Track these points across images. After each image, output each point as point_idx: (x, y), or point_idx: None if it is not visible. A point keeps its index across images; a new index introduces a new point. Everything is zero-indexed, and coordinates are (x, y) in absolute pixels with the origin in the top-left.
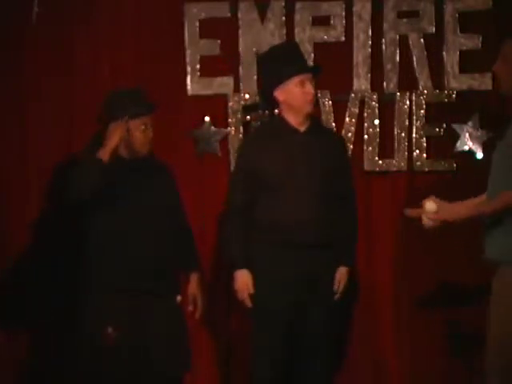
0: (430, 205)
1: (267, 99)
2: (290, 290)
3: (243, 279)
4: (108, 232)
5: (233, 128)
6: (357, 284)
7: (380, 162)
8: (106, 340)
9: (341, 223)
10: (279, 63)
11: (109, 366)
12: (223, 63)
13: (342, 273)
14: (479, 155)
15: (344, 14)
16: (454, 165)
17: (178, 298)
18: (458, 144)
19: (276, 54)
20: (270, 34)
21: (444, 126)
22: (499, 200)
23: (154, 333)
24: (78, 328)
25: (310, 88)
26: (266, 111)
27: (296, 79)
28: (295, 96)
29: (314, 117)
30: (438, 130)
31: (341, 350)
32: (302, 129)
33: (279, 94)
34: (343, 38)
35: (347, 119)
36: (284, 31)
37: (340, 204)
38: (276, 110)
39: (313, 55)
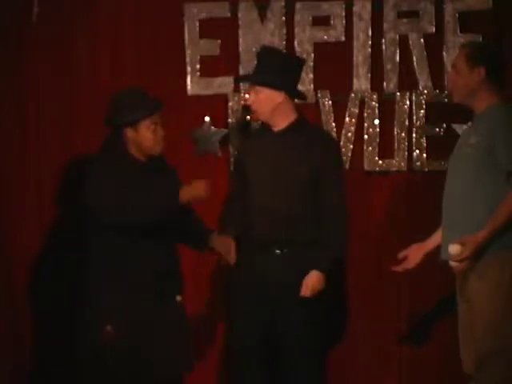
0: (454, 248)
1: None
2: (265, 290)
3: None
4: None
5: (233, 128)
6: (354, 284)
7: (380, 162)
8: (105, 338)
9: (320, 225)
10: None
11: (109, 365)
12: (223, 63)
13: (310, 276)
14: None
15: (344, 14)
16: None
17: (178, 297)
18: None
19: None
20: (269, 34)
21: (444, 125)
22: (502, 211)
23: (156, 332)
24: (77, 327)
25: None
26: None
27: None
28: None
29: (301, 117)
30: (437, 129)
31: (338, 351)
32: (276, 129)
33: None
34: (343, 38)
35: (347, 119)
36: (284, 31)
37: (322, 203)
38: (248, 117)
39: (313, 55)
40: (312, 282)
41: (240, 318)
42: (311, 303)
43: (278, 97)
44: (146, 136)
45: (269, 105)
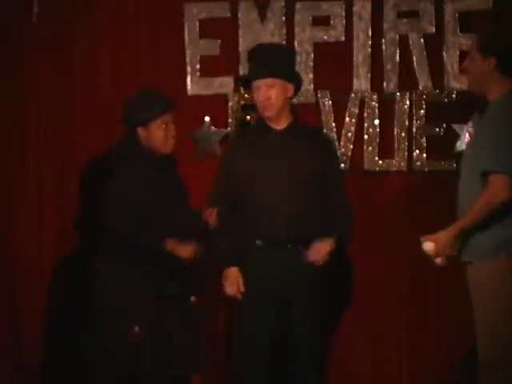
0: (427, 245)
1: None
2: (271, 290)
3: (232, 276)
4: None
5: (233, 128)
6: (355, 284)
7: (380, 162)
8: (133, 339)
9: (328, 221)
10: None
11: (121, 366)
12: (223, 63)
13: (321, 242)
14: None
15: (344, 14)
16: (454, 165)
17: (192, 298)
18: (458, 144)
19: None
20: (270, 34)
21: (444, 125)
22: (473, 210)
23: (172, 333)
24: (100, 329)
25: (258, 94)
26: None
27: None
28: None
29: (296, 117)
30: (437, 129)
31: (337, 353)
32: (279, 128)
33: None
34: (343, 38)
35: (347, 119)
36: (284, 31)
37: (326, 202)
38: (248, 117)
39: (313, 55)
40: (324, 247)
41: (249, 319)
42: (320, 301)
43: (290, 89)
44: (156, 135)
45: (281, 99)
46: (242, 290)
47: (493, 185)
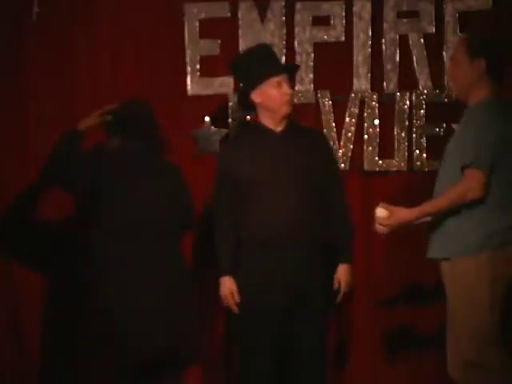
0: (381, 211)
1: (244, 103)
2: (275, 290)
3: (228, 286)
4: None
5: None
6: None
7: (380, 162)
8: None
9: (330, 222)
10: (254, 65)
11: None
12: (223, 63)
13: (341, 270)
14: None
15: (344, 14)
16: None
17: None
18: None
19: (250, 56)
20: (269, 34)
21: (444, 125)
22: (444, 197)
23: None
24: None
25: (286, 88)
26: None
27: (272, 80)
28: (272, 98)
29: (291, 118)
30: (437, 130)
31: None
32: (278, 129)
33: (256, 96)
34: (343, 38)
35: (347, 119)
36: (284, 31)
37: (326, 202)
38: (248, 117)
39: (313, 55)
40: (344, 275)
41: (253, 319)
42: (325, 302)
43: None
44: None
45: None
46: (238, 300)
47: (470, 179)
